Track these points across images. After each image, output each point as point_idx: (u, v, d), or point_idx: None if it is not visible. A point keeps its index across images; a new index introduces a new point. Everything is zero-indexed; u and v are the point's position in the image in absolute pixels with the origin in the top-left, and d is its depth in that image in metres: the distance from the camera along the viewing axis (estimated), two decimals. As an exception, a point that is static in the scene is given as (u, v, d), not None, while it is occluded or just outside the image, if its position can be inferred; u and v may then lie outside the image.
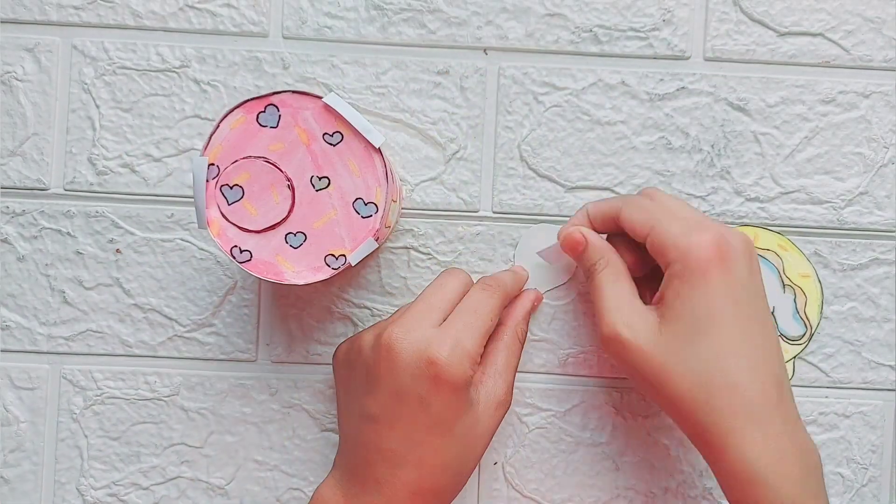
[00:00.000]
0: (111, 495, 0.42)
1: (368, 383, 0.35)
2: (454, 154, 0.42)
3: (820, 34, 0.42)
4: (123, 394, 0.42)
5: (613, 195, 0.42)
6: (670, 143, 0.42)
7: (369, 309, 0.42)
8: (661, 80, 0.42)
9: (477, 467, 0.41)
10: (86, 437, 0.42)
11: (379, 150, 0.34)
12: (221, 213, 0.34)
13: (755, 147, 0.42)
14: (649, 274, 0.38)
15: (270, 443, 0.42)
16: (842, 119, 0.42)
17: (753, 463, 0.32)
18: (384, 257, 0.42)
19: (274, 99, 0.34)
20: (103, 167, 0.41)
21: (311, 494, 0.42)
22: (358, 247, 0.34)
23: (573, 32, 0.42)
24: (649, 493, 0.42)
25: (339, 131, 0.34)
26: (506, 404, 0.37)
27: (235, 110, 0.34)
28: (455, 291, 0.37)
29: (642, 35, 0.42)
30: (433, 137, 0.42)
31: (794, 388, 0.41)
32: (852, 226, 0.42)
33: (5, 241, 0.41)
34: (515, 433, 0.42)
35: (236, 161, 0.34)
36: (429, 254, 0.42)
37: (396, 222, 0.41)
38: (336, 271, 0.34)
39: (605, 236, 0.38)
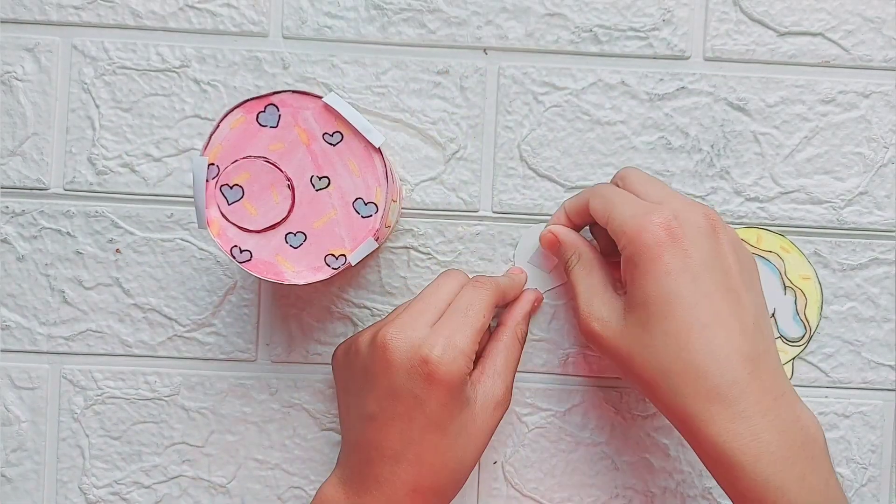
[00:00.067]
0: (113, 494, 0.42)
1: (366, 383, 0.35)
2: (454, 154, 0.42)
3: (820, 34, 0.42)
4: (124, 393, 0.42)
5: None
6: (670, 143, 0.42)
7: (369, 309, 0.42)
8: (661, 80, 0.42)
9: (476, 466, 0.41)
10: (87, 436, 0.42)
11: (379, 150, 0.34)
12: (221, 212, 0.34)
13: (755, 147, 0.42)
14: None
15: (271, 442, 0.42)
16: (842, 119, 0.42)
17: (723, 444, 0.31)
18: (384, 257, 0.42)
19: (274, 99, 0.34)
20: (103, 167, 0.41)
21: (312, 493, 0.42)
22: (358, 246, 0.34)
23: (573, 32, 0.42)
24: (648, 492, 0.42)
25: (339, 131, 0.34)
26: (504, 404, 0.37)
27: (235, 110, 0.34)
28: (452, 292, 0.37)
29: (642, 35, 0.42)
30: (433, 137, 0.42)
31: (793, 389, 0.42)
32: (852, 226, 0.42)
33: (5, 241, 0.42)
34: (515, 433, 0.42)
35: (236, 161, 0.34)
36: (429, 254, 0.42)
37: (396, 222, 0.42)
38: (336, 271, 0.34)
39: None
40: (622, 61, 0.42)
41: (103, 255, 0.42)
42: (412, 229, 0.42)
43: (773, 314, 0.42)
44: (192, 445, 0.42)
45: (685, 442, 0.42)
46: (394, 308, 0.41)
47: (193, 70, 0.41)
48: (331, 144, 0.34)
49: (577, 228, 0.40)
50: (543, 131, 0.42)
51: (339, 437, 0.42)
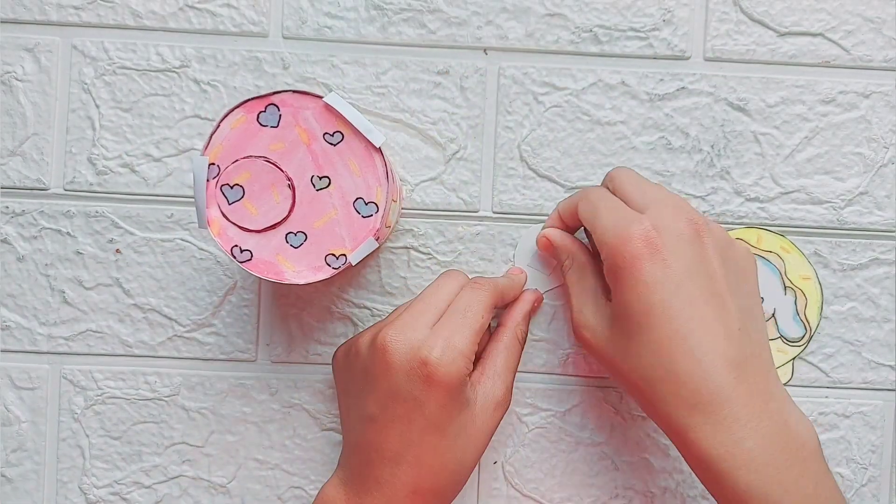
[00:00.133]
0: (114, 494, 0.42)
1: (366, 384, 0.35)
2: (454, 154, 0.42)
3: (820, 34, 0.42)
4: (124, 394, 0.42)
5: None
6: (670, 144, 0.42)
7: (369, 309, 0.42)
8: (661, 80, 0.42)
9: (477, 467, 0.41)
10: (87, 436, 0.42)
11: (379, 150, 0.34)
12: (222, 212, 0.34)
13: (755, 147, 0.42)
14: None
15: (271, 442, 0.42)
16: (842, 119, 0.42)
17: (707, 451, 0.31)
18: (384, 257, 0.42)
19: (274, 98, 0.34)
20: (103, 167, 0.41)
21: (312, 493, 0.42)
22: (358, 246, 0.34)
23: (573, 32, 0.42)
24: (648, 492, 0.42)
25: (340, 131, 0.34)
26: (504, 405, 0.37)
27: (236, 110, 0.34)
28: (451, 293, 0.37)
29: (642, 35, 0.42)
30: (433, 137, 0.42)
31: (793, 389, 0.42)
32: (852, 226, 0.42)
33: (5, 241, 0.42)
34: (515, 433, 0.42)
35: (237, 160, 0.34)
36: (429, 254, 0.42)
37: (396, 222, 0.42)
38: (336, 271, 0.34)
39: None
40: (622, 61, 0.42)
41: (103, 256, 0.42)
42: (412, 229, 0.42)
43: (773, 314, 0.42)
44: (192, 445, 0.42)
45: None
46: (394, 308, 0.41)
47: (193, 70, 0.41)
48: (331, 144, 0.34)
49: (571, 230, 0.40)
50: (543, 131, 0.42)
51: (339, 438, 0.42)
